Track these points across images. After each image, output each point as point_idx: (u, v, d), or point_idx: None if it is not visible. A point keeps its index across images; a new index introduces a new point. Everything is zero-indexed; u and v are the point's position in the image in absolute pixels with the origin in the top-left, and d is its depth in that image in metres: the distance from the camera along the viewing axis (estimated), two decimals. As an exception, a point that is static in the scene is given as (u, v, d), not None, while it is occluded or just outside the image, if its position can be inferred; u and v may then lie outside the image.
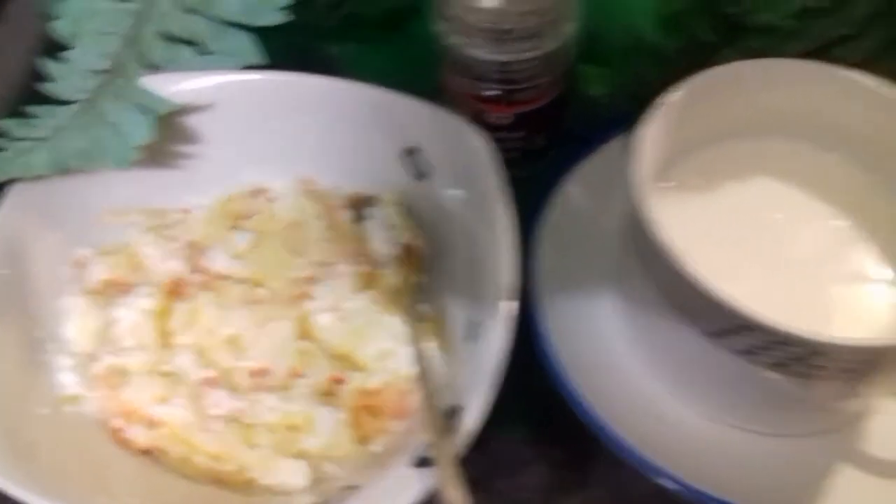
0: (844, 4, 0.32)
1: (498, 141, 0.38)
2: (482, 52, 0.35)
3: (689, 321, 0.28)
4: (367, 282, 0.35)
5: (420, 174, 0.36)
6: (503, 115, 0.38)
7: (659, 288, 0.29)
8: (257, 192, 0.38)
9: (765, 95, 0.33)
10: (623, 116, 0.37)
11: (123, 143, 0.34)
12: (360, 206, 0.37)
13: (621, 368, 0.33)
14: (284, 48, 0.38)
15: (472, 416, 0.28)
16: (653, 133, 0.31)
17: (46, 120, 0.35)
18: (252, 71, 0.37)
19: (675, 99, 0.31)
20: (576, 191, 0.38)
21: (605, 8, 0.39)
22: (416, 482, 0.27)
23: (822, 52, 0.32)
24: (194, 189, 0.37)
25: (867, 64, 0.32)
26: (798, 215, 0.33)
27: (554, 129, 0.40)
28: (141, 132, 0.34)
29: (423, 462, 0.27)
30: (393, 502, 0.26)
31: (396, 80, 0.37)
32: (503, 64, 0.35)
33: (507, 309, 0.30)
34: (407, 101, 0.35)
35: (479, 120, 0.38)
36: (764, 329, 0.26)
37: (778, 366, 0.27)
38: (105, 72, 0.36)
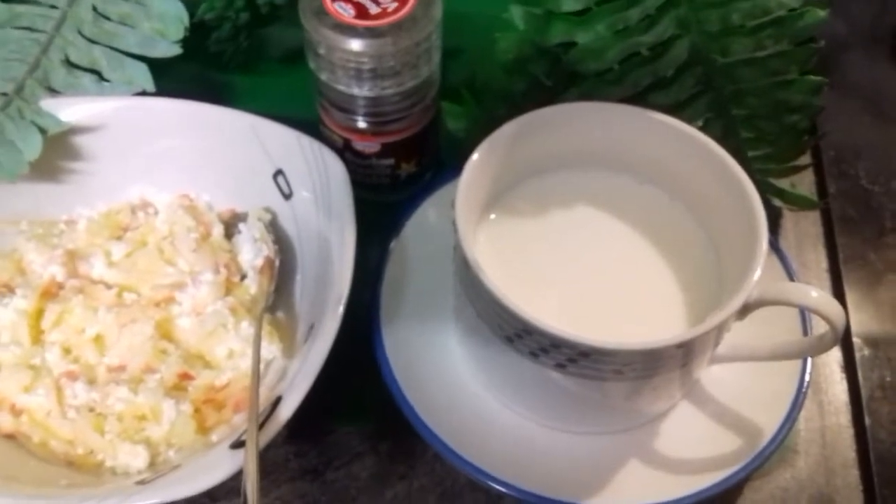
0: (659, 55, 0.35)
1: (367, 168, 0.42)
2: (348, 88, 0.39)
3: (489, 326, 0.32)
4: (229, 289, 0.38)
5: (285, 194, 0.39)
6: (370, 145, 0.41)
7: (469, 298, 0.33)
8: (140, 207, 0.41)
9: (589, 133, 0.36)
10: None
11: (17, 157, 0.38)
12: (231, 221, 0.41)
13: (447, 371, 0.36)
14: (186, 76, 0.42)
15: (289, 406, 0.31)
16: (478, 165, 0.34)
17: (-55, 136, 0.38)
18: (142, 97, 0.40)
19: (500, 136, 0.35)
20: (430, 213, 0.41)
21: (459, 50, 0.44)
22: (229, 461, 0.30)
23: (640, 96, 0.36)
24: (83, 202, 0.41)
25: (676, 107, 0.36)
26: (607, 236, 0.37)
27: (423, 157, 0.44)
28: (33, 149, 0.38)
29: (239, 445, 0.30)
30: (205, 477, 0.29)
31: (288, 110, 0.41)
32: (367, 98, 0.39)
33: (334, 314, 0.33)
34: (277, 128, 0.39)
35: (349, 148, 0.42)
36: (539, 332, 0.29)
37: (559, 366, 0.30)
38: (7, 94, 0.40)
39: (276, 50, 0.48)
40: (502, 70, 0.38)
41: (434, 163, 0.45)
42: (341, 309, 0.33)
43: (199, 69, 0.46)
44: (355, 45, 0.36)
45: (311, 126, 0.41)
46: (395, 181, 0.44)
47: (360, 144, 0.41)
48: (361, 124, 0.40)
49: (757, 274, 0.30)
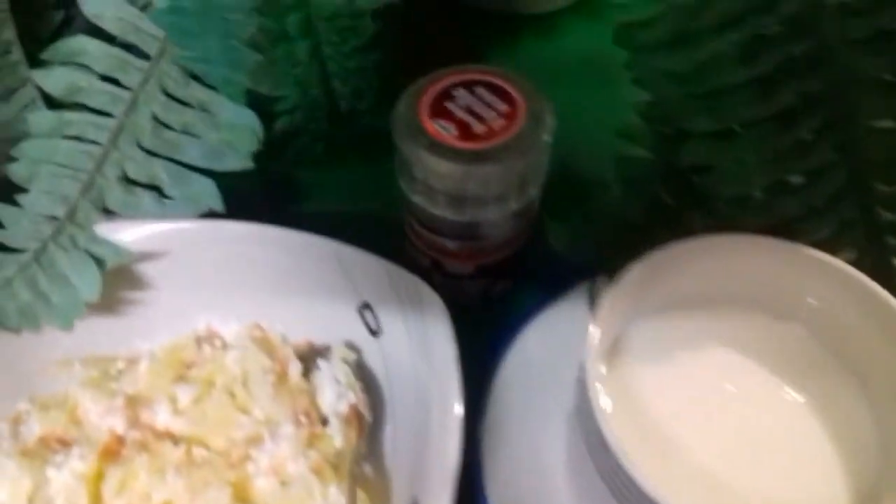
0: (812, 184, 0.31)
1: (457, 288, 0.38)
2: (444, 212, 0.34)
3: (610, 490, 0.27)
4: (311, 442, 0.33)
5: (372, 330, 0.35)
6: (464, 267, 0.37)
7: (600, 472, 0.28)
8: (206, 339, 0.37)
9: (725, 268, 0.32)
10: (586, 265, 0.37)
11: (72, 297, 0.34)
12: (310, 357, 0.36)
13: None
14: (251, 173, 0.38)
15: None
16: (607, 312, 0.30)
17: (-8, 270, 0.34)
18: (208, 220, 0.36)
19: (629, 279, 0.31)
20: (533, 341, 0.37)
21: (570, 167, 0.39)
22: None
23: (786, 226, 0.31)
24: (142, 335, 0.36)
25: (828, 241, 0.31)
26: (751, 387, 0.32)
27: (517, 275, 0.39)
28: (91, 287, 0.34)
29: None
30: None
31: (367, 206, 0.37)
32: (465, 224, 0.34)
33: (444, 493, 0.28)
34: (364, 257, 0.35)
35: (438, 268, 0.37)
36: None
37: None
38: (58, 218, 0.35)
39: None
40: (618, 188, 0.34)
41: (527, 276, 0.40)
42: (452, 489, 0.28)
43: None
44: (458, 170, 0.32)
45: (392, 228, 0.37)
46: (488, 300, 0.39)
47: (452, 266, 0.37)
48: (455, 246, 0.36)
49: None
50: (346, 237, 0.39)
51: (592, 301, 0.36)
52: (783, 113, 0.30)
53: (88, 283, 0.34)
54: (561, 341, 0.36)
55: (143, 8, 0.37)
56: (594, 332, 0.29)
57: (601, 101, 0.47)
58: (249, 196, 0.37)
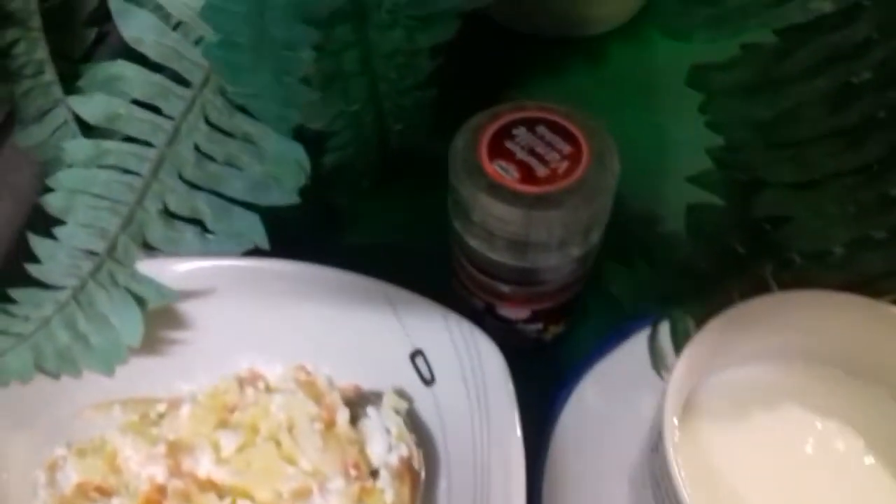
0: (892, 240, 0.29)
1: (511, 332, 0.36)
2: (501, 257, 0.33)
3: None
4: (361, 497, 0.32)
5: (425, 379, 0.33)
6: (519, 311, 0.35)
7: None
8: (250, 380, 0.35)
9: (804, 325, 0.30)
10: (645, 312, 0.36)
11: (113, 340, 0.32)
12: (358, 403, 0.34)
13: None
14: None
15: None
16: (683, 373, 0.28)
17: (28, 309, 0.32)
18: (252, 259, 0.35)
19: (710, 333, 0.29)
20: (590, 394, 0.35)
21: (630, 204, 0.38)
22: None
23: (867, 283, 0.30)
24: (183, 376, 0.35)
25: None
26: (829, 450, 0.30)
27: (573, 319, 0.38)
28: (133, 330, 0.32)
29: None
30: None
31: (404, 239, 0.35)
32: (523, 270, 0.33)
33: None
34: (418, 301, 0.33)
35: (491, 312, 0.36)
36: None
37: None
38: (97, 253, 0.34)
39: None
40: (687, 236, 0.32)
41: (582, 318, 0.39)
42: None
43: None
44: (520, 215, 0.30)
45: (439, 264, 0.35)
46: (541, 343, 0.38)
47: (506, 311, 0.35)
48: (511, 290, 0.34)
49: None
50: (392, 273, 0.37)
51: (653, 351, 0.34)
52: (869, 165, 0.29)
53: (130, 326, 0.32)
54: (620, 395, 0.34)
55: (176, 27, 0.36)
56: (671, 397, 0.28)
57: (658, 130, 0.45)
58: (294, 227, 0.36)
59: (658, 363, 0.35)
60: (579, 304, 0.37)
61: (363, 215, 0.41)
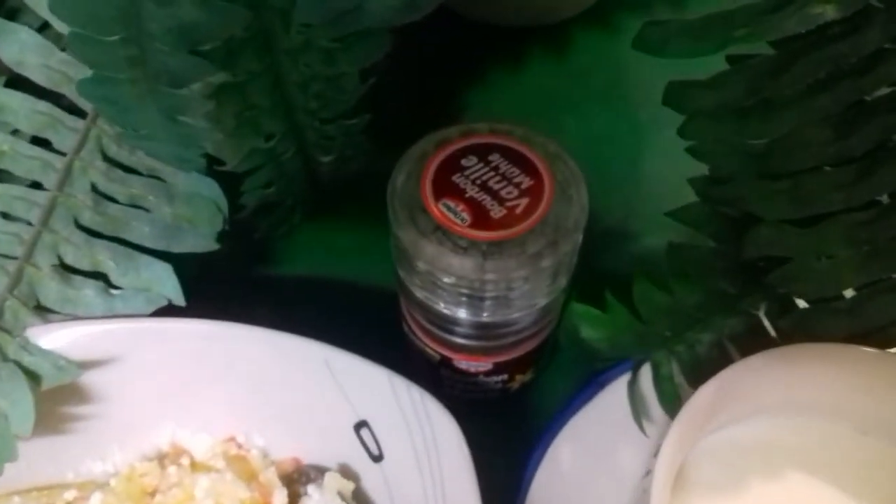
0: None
1: (472, 385, 0.32)
2: (455, 312, 0.28)
3: None
4: None
5: (372, 454, 0.29)
6: (479, 365, 0.31)
7: None
8: (173, 457, 0.31)
9: (803, 379, 0.26)
10: (623, 355, 0.31)
11: (2, 431, 0.27)
12: (298, 480, 0.30)
13: None
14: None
15: None
16: (674, 443, 0.24)
17: None
18: (166, 319, 0.30)
19: (702, 397, 0.25)
20: (566, 454, 0.31)
21: (608, 236, 0.33)
22: None
23: (880, 330, 0.26)
24: (95, 455, 0.30)
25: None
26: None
27: (540, 368, 0.33)
28: (24, 415, 0.27)
29: None
30: None
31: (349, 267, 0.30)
32: (480, 324, 0.28)
33: None
34: (360, 365, 0.28)
35: (447, 365, 0.31)
36: None
37: None
38: (-19, 323, 0.29)
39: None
40: (670, 279, 0.28)
41: (553, 360, 0.34)
42: None
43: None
44: (472, 266, 0.26)
45: (386, 304, 0.31)
46: (506, 394, 0.33)
47: (466, 364, 0.31)
48: (467, 342, 0.30)
49: None
50: (333, 314, 0.33)
51: (634, 399, 0.30)
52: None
53: (20, 410, 0.27)
54: (599, 452, 0.30)
55: (66, 48, 0.30)
56: (662, 473, 0.24)
57: (629, 131, 0.41)
58: (219, 265, 0.31)
59: (639, 413, 0.30)
60: (549, 347, 0.33)
61: (299, 248, 0.36)
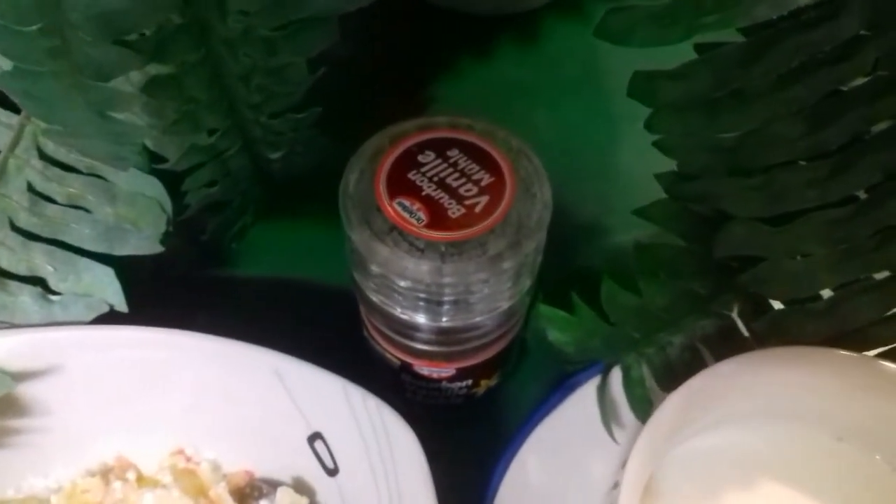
0: (892, 282, 0.24)
1: (435, 391, 0.31)
2: (413, 317, 0.26)
3: None
4: None
5: (327, 468, 0.27)
6: (441, 370, 0.29)
7: None
8: (119, 471, 0.29)
9: (783, 385, 0.25)
10: (591, 358, 0.30)
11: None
12: (251, 494, 0.28)
13: None
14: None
15: None
16: (643, 453, 0.23)
17: None
18: (108, 326, 0.28)
19: (672, 405, 0.23)
20: (532, 463, 0.29)
21: (575, 231, 0.32)
22: None
23: (858, 332, 0.24)
24: (37, 470, 0.29)
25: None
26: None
27: (505, 372, 0.32)
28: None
29: None
30: None
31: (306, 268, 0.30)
32: (440, 329, 0.27)
33: None
34: (312, 373, 0.27)
35: (408, 371, 0.30)
36: None
37: None
38: None
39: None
40: (637, 278, 0.26)
41: (520, 362, 0.33)
42: None
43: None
44: (429, 268, 0.24)
45: (344, 305, 0.29)
46: (471, 400, 0.32)
47: (428, 370, 0.29)
48: (427, 348, 0.28)
49: None
50: (288, 318, 0.31)
51: (603, 404, 0.29)
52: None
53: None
54: (568, 461, 0.29)
55: None
56: (628, 484, 0.22)
57: (601, 123, 0.39)
58: (167, 267, 0.29)
59: (609, 418, 0.29)
60: (516, 351, 0.31)
61: (253, 249, 0.34)
